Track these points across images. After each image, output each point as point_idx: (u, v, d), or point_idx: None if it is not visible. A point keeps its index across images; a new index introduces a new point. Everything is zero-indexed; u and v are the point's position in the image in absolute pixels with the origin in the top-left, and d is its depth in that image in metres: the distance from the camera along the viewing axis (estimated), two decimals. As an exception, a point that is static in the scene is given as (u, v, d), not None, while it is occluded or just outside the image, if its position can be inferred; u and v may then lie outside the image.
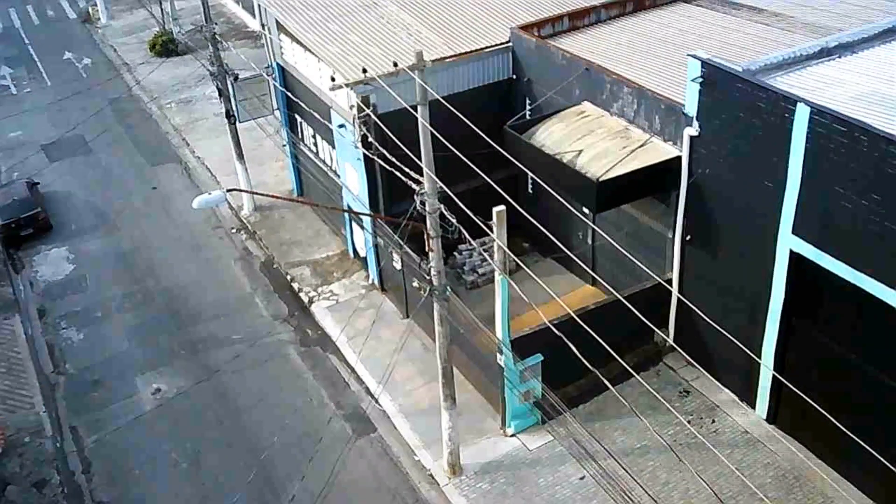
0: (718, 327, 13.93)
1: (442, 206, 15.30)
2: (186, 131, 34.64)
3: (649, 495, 16.63)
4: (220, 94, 26.73)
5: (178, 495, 18.55)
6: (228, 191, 14.21)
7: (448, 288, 16.47)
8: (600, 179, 18.23)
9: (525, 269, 16.03)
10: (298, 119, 27.12)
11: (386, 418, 20.19)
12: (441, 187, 15.31)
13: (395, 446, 19.45)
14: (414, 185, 15.48)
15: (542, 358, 18.54)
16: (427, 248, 15.90)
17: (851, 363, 16.27)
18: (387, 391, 20.73)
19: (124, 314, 24.45)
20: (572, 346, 14.35)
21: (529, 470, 18.20)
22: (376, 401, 20.61)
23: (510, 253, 16.21)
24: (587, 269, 22.35)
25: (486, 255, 16.11)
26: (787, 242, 16.74)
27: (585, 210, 22.14)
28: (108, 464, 19.57)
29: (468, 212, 14.14)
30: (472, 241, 14.80)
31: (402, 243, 17.72)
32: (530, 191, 23.96)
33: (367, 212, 21.95)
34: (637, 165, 18.62)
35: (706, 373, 19.73)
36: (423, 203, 15.40)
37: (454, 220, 15.06)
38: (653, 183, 18.97)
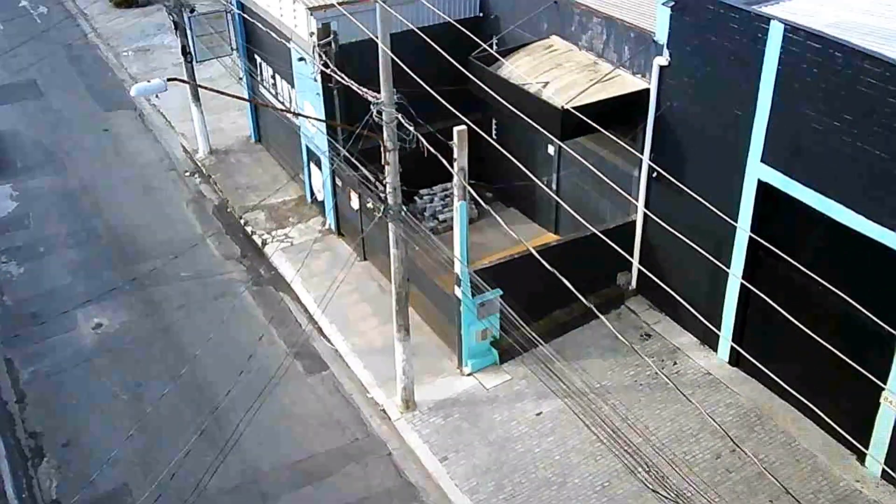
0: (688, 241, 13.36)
1: (399, 115, 14.55)
2: (143, 80, 33.33)
3: (626, 423, 16.13)
4: (175, 28, 25.70)
5: (116, 426, 17.62)
6: (169, 80, 13.36)
7: (404, 208, 15.73)
8: (565, 108, 17.62)
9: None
10: (258, 60, 26.22)
11: (339, 357, 19.44)
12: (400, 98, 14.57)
13: (347, 384, 18.69)
14: (371, 99, 14.72)
15: (500, 292, 17.88)
16: (383, 162, 15.13)
17: (819, 296, 15.76)
18: (340, 331, 20.00)
19: (68, 251, 23.36)
20: (554, 271, 13.45)
21: (485, 407, 17.54)
22: (328, 340, 19.85)
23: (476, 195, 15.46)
24: (552, 212, 21.80)
25: (460, 181, 15.26)
26: (756, 171, 16.22)
27: (550, 151, 21.63)
28: (44, 396, 18.58)
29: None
30: (431, 149, 14.05)
31: (353, 159, 16.91)
32: (494, 135, 23.32)
33: (325, 144, 21.14)
34: (604, 97, 18.08)
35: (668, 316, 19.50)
36: (379, 114, 14.64)
37: (412, 129, 14.33)
38: (620, 115, 18.38)
